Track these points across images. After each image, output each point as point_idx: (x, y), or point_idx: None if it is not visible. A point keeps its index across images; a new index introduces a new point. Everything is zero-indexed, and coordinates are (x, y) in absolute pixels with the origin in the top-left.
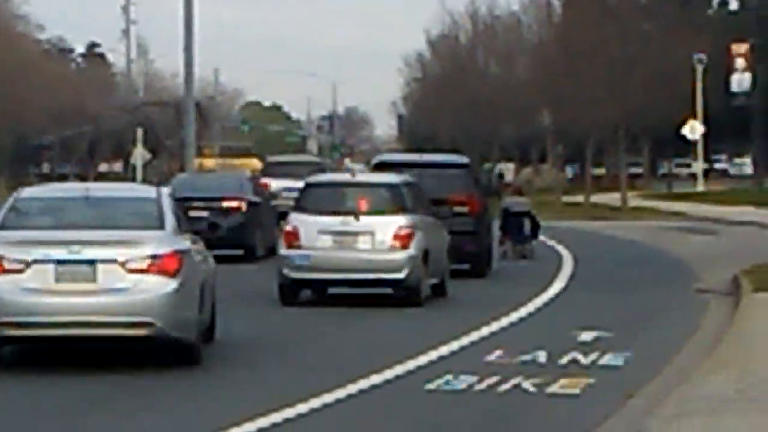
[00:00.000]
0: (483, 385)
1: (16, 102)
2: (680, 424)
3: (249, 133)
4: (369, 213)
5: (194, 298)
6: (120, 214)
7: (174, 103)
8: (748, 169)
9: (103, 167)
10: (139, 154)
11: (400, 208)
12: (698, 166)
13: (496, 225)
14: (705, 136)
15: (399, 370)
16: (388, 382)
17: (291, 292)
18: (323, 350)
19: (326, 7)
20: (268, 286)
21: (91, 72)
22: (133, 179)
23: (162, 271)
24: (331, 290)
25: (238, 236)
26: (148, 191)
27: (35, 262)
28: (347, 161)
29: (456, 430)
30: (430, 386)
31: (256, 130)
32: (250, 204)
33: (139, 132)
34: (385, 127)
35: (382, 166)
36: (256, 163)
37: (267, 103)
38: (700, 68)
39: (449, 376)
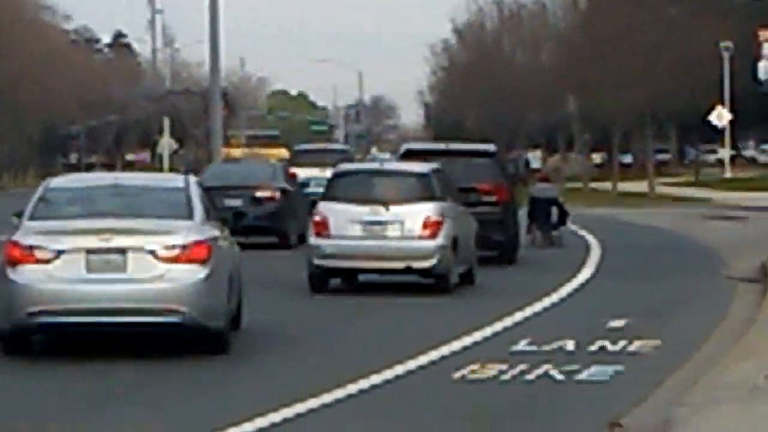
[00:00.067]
0: (511, 373)
1: (44, 92)
2: (709, 412)
3: (275, 122)
4: (398, 202)
5: (223, 286)
6: (149, 204)
7: (200, 92)
8: None
9: (129, 156)
10: (166, 144)
11: (429, 197)
12: (725, 153)
13: (522, 212)
14: (732, 122)
15: (426, 359)
16: (415, 371)
17: (320, 280)
18: (351, 339)
19: None
20: (299, 274)
21: (118, 62)
22: (160, 169)
23: (192, 260)
24: (361, 278)
25: (271, 224)
26: (177, 180)
27: (66, 251)
28: (374, 150)
29: (483, 419)
30: (457, 376)
31: (282, 119)
32: (283, 192)
33: (166, 121)
34: (411, 115)
35: (409, 155)
36: (283, 152)
37: (293, 92)
38: (726, 55)
39: (476, 366)
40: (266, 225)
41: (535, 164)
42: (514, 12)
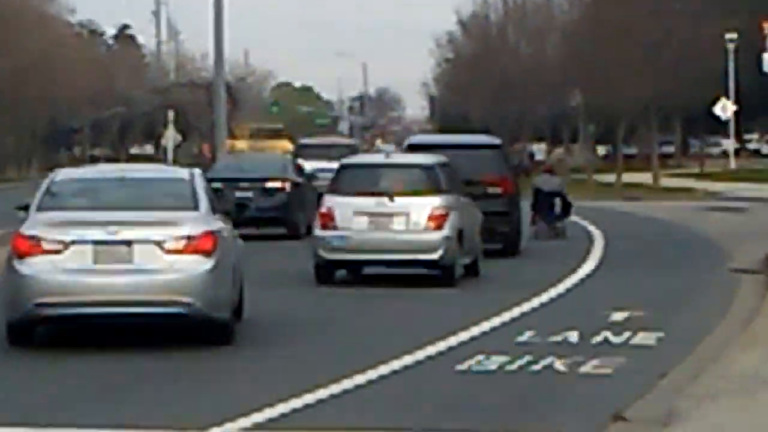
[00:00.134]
0: (514, 366)
1: (48, 85)
2: (713, 404)
3: (280, 114)
4: (404, 194)
5: (228, 277)
6: (155, 196)
7: (205, 84)
8: None
9: (134, 149)
10: (171, 136)
11: (435, 189)
12: (730, 145)
13: (525, 204)
14: (737, 114)
15: (432, 349)
16: (419, 362)
17: (326, 272)
18: (356, 330)
19: None
20: (306, 265)
21: (122, 54)
22: (164, 161)
23: (197, 251)
24: (366, 270)
25: (282, 215)
26: (182, 173)
27: (73, 242)
28: (378, 142)
29: (487, 410)
30: (461, 367)
31: (286, 111)
32: (294, 184)
33: (170, 114)
34: (416, 108)
35: (414, 148)
36: (287, 145)
37: (297, 84)
38: (731, 47)
39: (481, 357)
40: (276, 216)
41: (540, 156)
42: (518, 4)
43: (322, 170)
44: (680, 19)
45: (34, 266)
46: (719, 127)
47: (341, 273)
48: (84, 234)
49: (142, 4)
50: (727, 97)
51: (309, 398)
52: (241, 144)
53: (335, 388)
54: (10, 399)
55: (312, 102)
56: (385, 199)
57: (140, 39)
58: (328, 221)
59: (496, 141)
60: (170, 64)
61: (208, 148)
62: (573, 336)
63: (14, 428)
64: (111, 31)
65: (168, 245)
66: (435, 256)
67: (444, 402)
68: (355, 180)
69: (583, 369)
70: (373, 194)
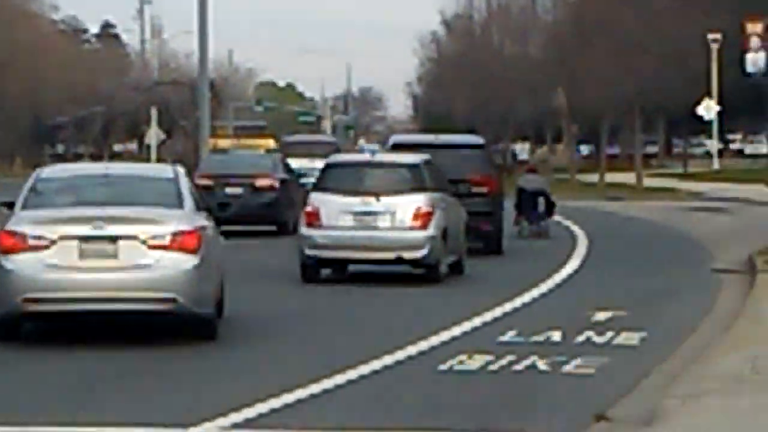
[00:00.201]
0: (497, 366)
1: (31, 82)
2: (695, 404)
3: (263, 113)
4: (389, 193)
5: (212, 273)
6: (139, 193)
7: (188, 82)
8: (764, 148)
9: (117, 147)
10: (154, 134)
11: (420, 188)
12: (713, 145)
13: (507, 204)
14: (720, 114)
15: (414, 349)
16: (402, 361)
17: (312, 270)
18: (339, 329)
19: None
20: (292, 263)
21: (106, 52)
22: (148, 159)
23: (183, 248)
24: (351, 268)
25: (271, 213)
26: (166, 170)
27: (59, 239)
28: (362, 141)
29: (469, 410)
30: (444, 366)
31: (270, 110)
32: (282, 182)
33: (154, 112)
34: (399, 107)
35: (398, 147)
36: (270, 143)
37: (281, 83)
38: (714, 47)
39: (463, 356)
40: (266, 213)
41: (523, 156)
42: (502, 5)
43: (306, 170)
44: (663, 20)
45: (19, 262)
46: (703, 127)
47: (327, 271)
48: (70, 230)
49: (126, 2)
50: (711, 97)
51: (290, 398)
52: (224, 142)
53: (316, 388)
54: None
55: (295, 100)
56: (371, 198)
57: (124, 37)
58: (314, 220)
59: (480, 141)
60: (154, 63)
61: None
62: (556, 335)
63: None
64: (94, 28)
65: (153, 242)
66: (420, 254)
67: (426, 402)
68: (340, 179)
69: (566, 369)
70: (358, 193)
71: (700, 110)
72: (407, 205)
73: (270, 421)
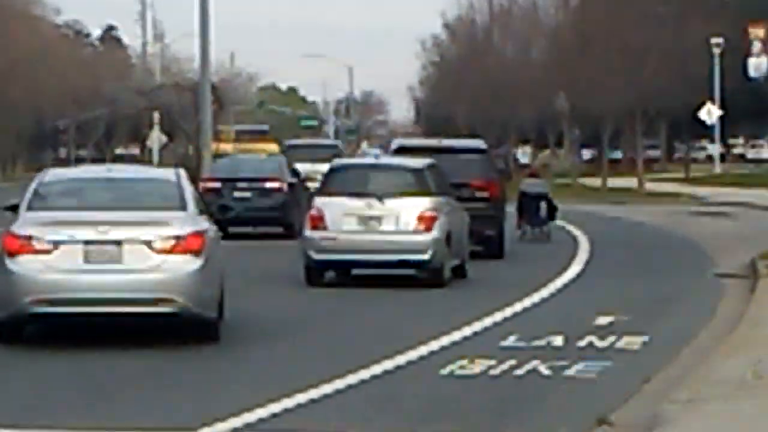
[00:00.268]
0: (499, 370)
1: (34, 86)
2: (697, 408)
3: (265, 116)
4: (393, 196)
5: (215, 276)
6: (142, 196)
7: (190, 86)
8: (765, 153)
9: (119, 150)
10: (156, 138)
11: (424, 191)
12: (715, 150)
13: (509, 207)
14: (722, 119)
15: (415, 353)
16: (403, 365)
17: (316, 273)
18: (342, 332)
19: None
20: (298, 266)
21: (108, 56)
22: (150, 162)
23: (186, 251)
24: (355, 271)
25: (279, 215)
26: (168, 174)
27: (64, 242)
28: (364, 145)
29: (470, 415)
30: (445, 370)
31: (272, 114)
32: (289, 185)
33: (156, 115)
34: (401, 111)
35: (402, 151)
36: (273, 147)
37: (283, 87)
38: (717, 51)
39: (465, 361)
40: (274, 216)
41: (525, 160)
42: (504, 8)
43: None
44: (665, 24)
45: (24, 265)
46: (704, 131)
47: (331, 274)
48: (74, 233)
49: (128, 5)
50: (713, 102)
51: (289, 403)
52: (227, 146)
53: (318, 392)
54: None
55: (297, 104)
56: (375, 201)
57: (126, 40)
58: (319, 223)
59: (483, 145)
60: (156, 66)
61: (193, 148)
62: (558, 340)
63: None
64: (96, 32)
65: (157, 245)
66: (424, 257)
67: (428, 406)
68: (345, 181)
69: (568, 373)
70: (363, 196)
71: (702, 115)
72: (411, 209)
73: (272, 425)
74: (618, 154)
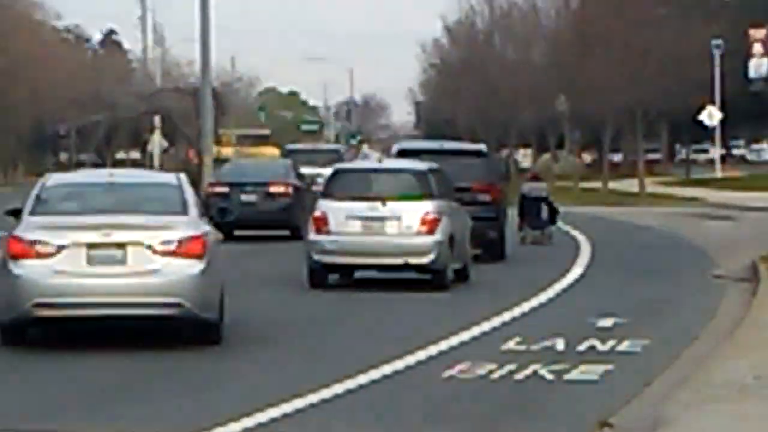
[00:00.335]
0: (501, 373)
1: (34, 90)
2: (698, 411)
3: (266, 120)
4: (396, 198)
5: (217, 279)
6: (145, 200)
7: (191, 90)
8: (766, 155)
9: (120, 155)
10: (157, 142)
11: (427, 194)
12: (716, 152)
13: (510, 210)
14: (723, 121)
15: (417, 357)
16: (405, 370)
17: (319, 276)
18: (345, 335)
19: None
20: (302, 268)
21: (108, 60)
22: (151, 166)
23: (189, 254)
24: (358, 274)
25: (285, 218)
26: (170, 178)
27: (68, 245)
28: (365, 147)
29: (472, 418)
30: (448, 373)
31: (273, 117)
32: (295, 188)
33: (157, 119)
34: (402, 113)
35: (404, 154)
36: (273, 151)
37: (284, 90)
38: (717, 53)
39: (467, 364)
40: (280, 219)
41: (525, 163)
42: (505, 11)
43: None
44: (665, 27)
45: (28, 268)
46: (705, 134)
47: (334, 277)
48: (78, 237)
49: (129, 9)
50: (713, 104)
51: (288, 407)
52: (227, 150)
53: (315, 398)
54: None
55: (298, 108)
56: (378, 204)
57: (126, 44)
58: (322, 225)
59: (484, 148)
60: (156, 70)
61: (194, 153)
62: (559, 343)
63: None
64: (97, 36)
65: (160, 248)
66: (427, 260)
67: (430, 409)
68: (348, 185)
69: (569, 376)
70: (366, 199)
71: (703, 117)
72: (414, 211)
73: (273, 430)
74: (620, 157)
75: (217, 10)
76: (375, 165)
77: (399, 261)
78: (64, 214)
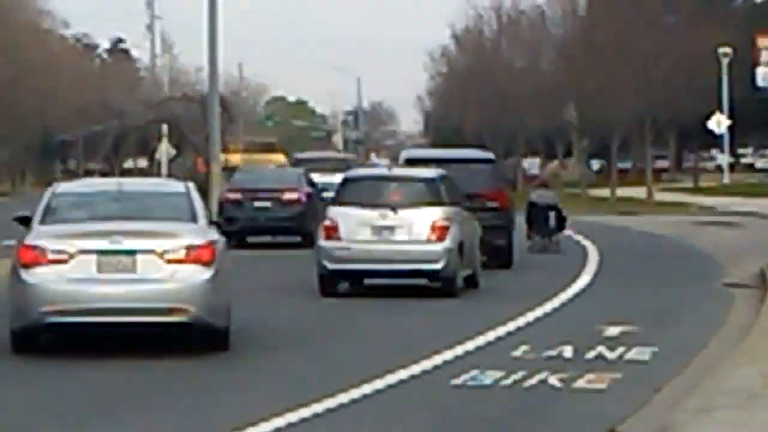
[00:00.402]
0: (509, 381)
1: (42, 98)
2: (707, 419)
3: (274, 128)
4: (406, 206)
5: (226, 286)
6: (154, 208)
7: (199, 98)
8: None
9: (127, 163)
10: (164, 150)
11: (437, 202)
12: (724, 159)
13: (518, 218)
14: (731, 129)
15: (427, 364)
16: (415, 376)
17: (330, 283)
18: (355, 343)
19: (350, 1)
20: (313, 275)
21: (116, 68)
22: (159, 175)
23: (198, 261)
24: (368, 281)
25: (297, 225)
26: (178, 186)
27: (78, 253)
28: (373, 156)
29: (481, 425)
30: (457, 381)
31: (280, 126)
32: (308, 196)
33: (164, 127)
34: (410, 122)
35: (412, 162)
36: (281, 159)
37: (292, 98)
38: (725, 61)
39: (476, 371)
40: (292, 226)
41: (533, 170)
42: (512, 18)
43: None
44: (673, 33)
45: (39, 275)
46: (713, 141)
47: (344, 284)
48: (88, 244)
49: (137, 17)
50: (721, 112)
51: (305, 412)
52: (235, 158)
53: (329, 403)
54: (11, 409)
55: (306, 116)
56: (389, 211)
57: (134, 52)
58: (332, 233)
59: (491, 156)
60: (164, 78)
61: (202, 162)
62: (567, 351)
63: None
64: (105, 44)
65: (170, 255)
66: (437, 266)
67: (439, 417)
68: (358, 192)
69: (578, 384)
70: (376, 206)
71: (711, 124)
72: (424, 219)
73: None
74: (628, 165)
75: (225, 18)
76: (385, 173)
77: (409, 268)
78: (74, 222)
